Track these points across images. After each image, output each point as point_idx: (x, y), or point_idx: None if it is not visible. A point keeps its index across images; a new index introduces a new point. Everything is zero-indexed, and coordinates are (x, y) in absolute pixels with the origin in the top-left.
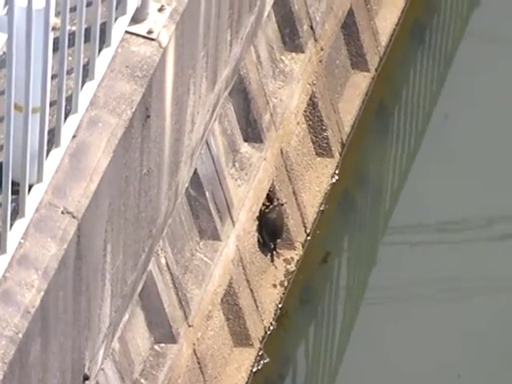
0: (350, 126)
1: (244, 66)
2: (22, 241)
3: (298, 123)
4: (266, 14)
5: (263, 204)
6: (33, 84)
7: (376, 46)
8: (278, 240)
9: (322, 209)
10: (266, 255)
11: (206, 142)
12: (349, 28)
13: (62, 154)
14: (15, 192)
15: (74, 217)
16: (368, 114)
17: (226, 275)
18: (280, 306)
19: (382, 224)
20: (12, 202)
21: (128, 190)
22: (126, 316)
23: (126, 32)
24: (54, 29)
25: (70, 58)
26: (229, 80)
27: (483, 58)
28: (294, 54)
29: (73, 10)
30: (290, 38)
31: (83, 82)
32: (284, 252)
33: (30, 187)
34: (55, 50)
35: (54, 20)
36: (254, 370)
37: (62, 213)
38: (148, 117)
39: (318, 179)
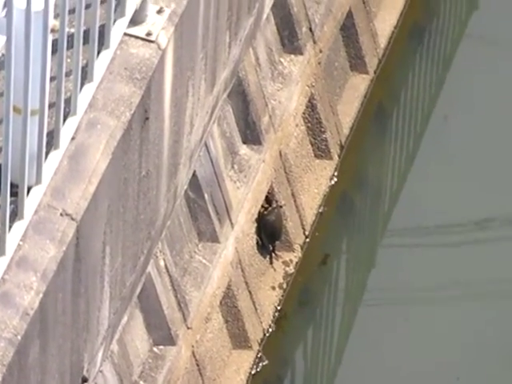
0: (349, 128)
1: (243, 67)
2: (21, 243)
3: (296, 125)
4: (264, 15)
5: (262, 206)
6: (32, 86)
7: (375, 48)
8: (277, 242)
9: (320, 211)
10: (264, 257)
11: (205, 144)
12: (348, 30)
13: (61, 156)
14: (14, 194)
15: (72, 219)
16: (367, 116)
17: (224, 277)
18: (279, 308)
19: (381, 226)
20: (11, 204)
21: (127, 192)
22: (125, 318)
23: (125, 34)
24: (52, 31)
25: (68, 60)
26: (227, 82)
27: (482, 60)
28: (292, 55)
29: (72, 12)
30: (289, 40)
31: (82, 84)
32: (283, 254)
33: (29, 189)
34: (54, 52)
35: (52, 22)
36: (253, 372)
37: (61, 215)
38: (147, 119)
39: (316, 181)
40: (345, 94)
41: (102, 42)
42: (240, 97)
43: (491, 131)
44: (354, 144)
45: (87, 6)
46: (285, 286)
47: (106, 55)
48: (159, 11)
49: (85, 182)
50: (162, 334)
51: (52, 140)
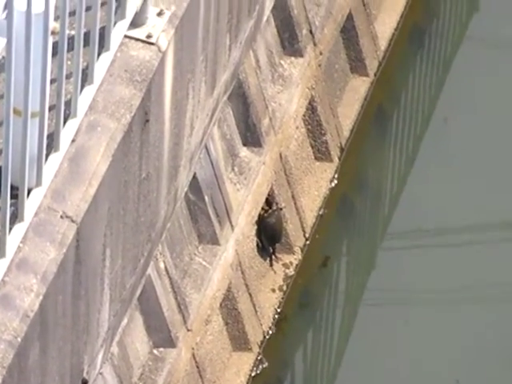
0: (349, 130)
1: (243, 70)
2: (21, 245)
3: (297, 127)
4: (265, 18)
5: (262, 208)
6: (32, 88)
7: (375, 51)
8: (277, 244)
9: (321, 213)
10: (264, 260)
11: (205, 147)
12: (348, 32)
13: (61, 158)
14: (14, 196)
15: (73, 221)
16: (367, 119)
17: (224, 279)
18: (279, 310)
19: (381, 228)
20: (11, 206)
21: (127, 194)
22: (125, 320)
23: (125, 36)
24: (53, 33)
25: (69, 63)
26: (228, 84)
27: (482, 62)
28: (293, 58)
29: (72, 14)
30: (289, 43)
31: (82, 87)
32: (283, 256)
33: (29, 191)
34: (54, 54)
35: (53, 24)
36: (253, 374)
37: (61, 217)
38: (147, 121)
39: (316, 183)
40: (345, 97)
41: (103, 45)
42: (240, 99)
43: (491, 133)
44: (355, 146)
45: (87, 8)
46: (285, 288)
47: (107, 57)
48: (159, 13)
49: (85, 185)
50: (162, 336)
51: (52, 142)
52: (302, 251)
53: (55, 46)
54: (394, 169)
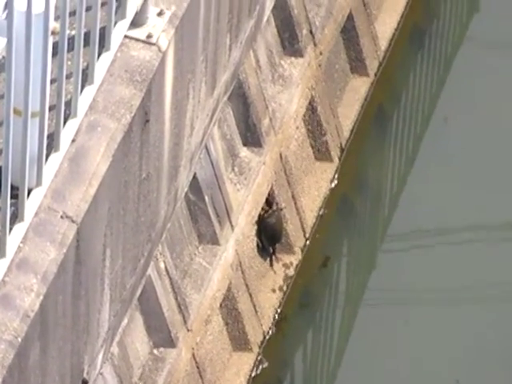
0: (349, 130)
1: (243, 70)
2: (22, 245)
3: (297, 128)
4: (265, 18)
5: (262, 208)
6: (32, 88)
7: (375, 51)
8: (277, 244)
9: (321, 213)
10: (265, 260)
11: (206, 147)
12: (348, 32)
13: (62, 158)
14: (14, 196)
15: (73, 221)
16: (367, 119)
17: (224, 280)
18: (279, 310)
19: (381, 228)
20: (11, 206)
21: (127, 194)
22: (125, 320)
23: (126, 36)
24: (53, 33)
25: (69, 63)
26: (228, 84)
27: (482, 62)
28: (293, 58)
29: (72, 14)
30: (290, 43)
31: (82, 87)
32: (283, 256)
33: (30, 191)
34: (54, 54)
35: (53, 24)
36: (253, 374)
37: (62, 217)
38: (147, 121)
39: (317, 184)
40: (345, 97)
41: (103, 45)
42: (240, 99)
43: (492, 133)
44: (355, 146)
45: (88, 9)
46: (285, 288)
47: (107, 57)
48: (160, 14)
49: (85, 185)
50: (162, 336)
51: (52, 142)
52: (302, 251)
53: (55, 46)
54: (394, 169)
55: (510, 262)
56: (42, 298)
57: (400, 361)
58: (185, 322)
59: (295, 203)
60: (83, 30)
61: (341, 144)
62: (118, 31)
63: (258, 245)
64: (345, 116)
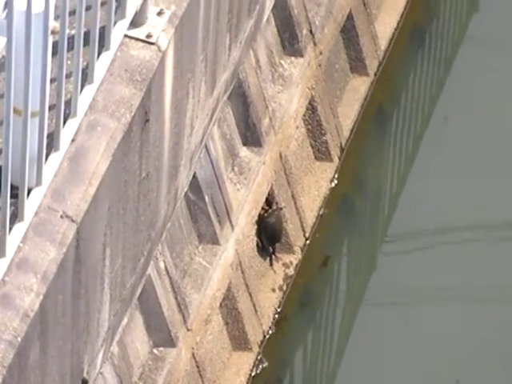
0: (349, 130)
1: (243, 70)
2: (21, 244)
3: (297, 127)
4: (265, 18)
5: (262, 208)
6: (32, 88)
7: (375, 50)
8: (277, 244)
9: (321, 213)
10: (264, 259)
11: (205, 146)
12: (348, 32)
13: (61, 157)
14: (14, 196)
15: (73, 221)
16: (367, 119)
17: (224, 279)
18: (279, 310)
19: (381, 228)
20: (11, 206)
21: (127, 193)
22: (125, 320)
23: (125, 36)
24: (53, 32)
25: (69, 62)
26: (228, 84)
27: (482, 61)
28: (293, 58)
29: (72, 13)
30: (290, 43)
31: (82, 86)
32: (283, 256)
33: (29, 191)
34: (54, 53)
35: (53, 24)
36: (253, 374)
37: (61, 217)
38: (147, 121)
39: (317, 183)
40: (345, 96)
41: (103, 44)
42: (240, 99)
43: (491, 133)
44: (355, 146)
45: (87, 8)
46: (285, 287)
47: (107, 57)
48: (159, 13)
49: (85, 184)
50: (162, 335)
51: (52, 142)
52: (302, 251)
53: (55, 45)
54: (394, 168)
55: (510, 262)
56: (41, 297)
57: (400, 360)
58: (185, 321)
59: (295, 203)
60: (83, 30)
61: (341, 144)
62: (118, 31)
63: (257, 244)
64: (345, 116)
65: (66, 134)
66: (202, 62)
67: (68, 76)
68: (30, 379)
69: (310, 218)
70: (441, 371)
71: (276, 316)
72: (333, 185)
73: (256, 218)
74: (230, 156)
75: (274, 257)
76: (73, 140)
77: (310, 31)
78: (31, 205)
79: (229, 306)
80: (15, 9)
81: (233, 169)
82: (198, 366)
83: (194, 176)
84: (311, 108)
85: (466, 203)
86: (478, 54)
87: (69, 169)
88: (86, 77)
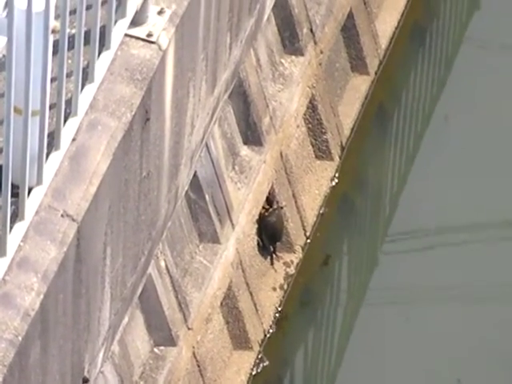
0: (350, 129)
1: (244, 69)
2: (22, 244)
3: (297, 126)
4: (265, 17)
5: (263, 207)
6: (32, 87)
7: (376, 49)
8: (278, 243)
9: (321, 212)
10: (265, 258)
11: (206, 145)
12: (349, 31)
13: (62, 156)
14: (15, 195)
15: (73, 220)
16: (368, 117)
17: (225, 278)
18: (279, 309)
19: (382, 227)
20: (12, 205)
21: (128, 192)
22: (126, 319)
23: (126, 35)
24: (53, 32)
25: (69, 61)
26: (228, 83)
27: (482, 61)
28: (293, 56)
29: (72, 12)
30: (290, 41)
31: (83, 85)
32: (284, 255)
33: (30, 190)
34: (55, 52)
35: (53, 23)
36: (254, 373)
37: (62, 216)
38: (148, 120)
39: (317, 182)
40: (346, 95)
41: (103, 43)
42: (241, 98)
43: (492, 132)
44: (355, 145)
45: (88, 7)
46: (286, 286)
47: (107, 56)
48: (160, 12)
49: (85, 183)
50: (162, 334)
51: (53, 141)
52: (302, 250)
53: (56, 44)
54: (395, 167)
55: (510, 262)
56: (42, 296)
57: (401, 360)
58: (185, 320)
59: (296, 202)
60: (83, 29)
61: (341, 142)
62: (119, 30)
63: (258, 243)
64: (345, 114)
65: (67, 133)
66: (203, 61)
67: (68, 75)
68: (31, 378)
69: (311, 216)
70: (441, 370)
71: (277, 315)
72: (333, 184)
73: (257, 216)
74: (230, 155)
75: (274, 256)
76: (73, 139)
77: (311, 30)
78: (32, 204)
79: (229, 305)
80: (16, 8)
81: (233, 168)
82: (198, 365)
83: (195, 175)
84: (312, 107)
85: (466, 203)
86: (478, 53)
87: (69, 168)
88: (86, 76)
